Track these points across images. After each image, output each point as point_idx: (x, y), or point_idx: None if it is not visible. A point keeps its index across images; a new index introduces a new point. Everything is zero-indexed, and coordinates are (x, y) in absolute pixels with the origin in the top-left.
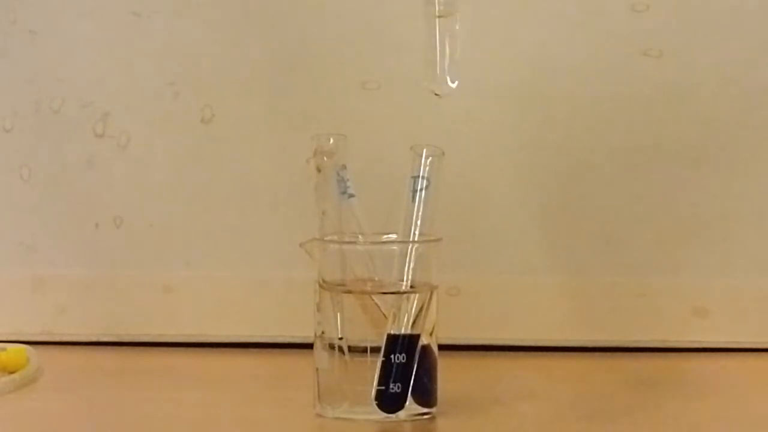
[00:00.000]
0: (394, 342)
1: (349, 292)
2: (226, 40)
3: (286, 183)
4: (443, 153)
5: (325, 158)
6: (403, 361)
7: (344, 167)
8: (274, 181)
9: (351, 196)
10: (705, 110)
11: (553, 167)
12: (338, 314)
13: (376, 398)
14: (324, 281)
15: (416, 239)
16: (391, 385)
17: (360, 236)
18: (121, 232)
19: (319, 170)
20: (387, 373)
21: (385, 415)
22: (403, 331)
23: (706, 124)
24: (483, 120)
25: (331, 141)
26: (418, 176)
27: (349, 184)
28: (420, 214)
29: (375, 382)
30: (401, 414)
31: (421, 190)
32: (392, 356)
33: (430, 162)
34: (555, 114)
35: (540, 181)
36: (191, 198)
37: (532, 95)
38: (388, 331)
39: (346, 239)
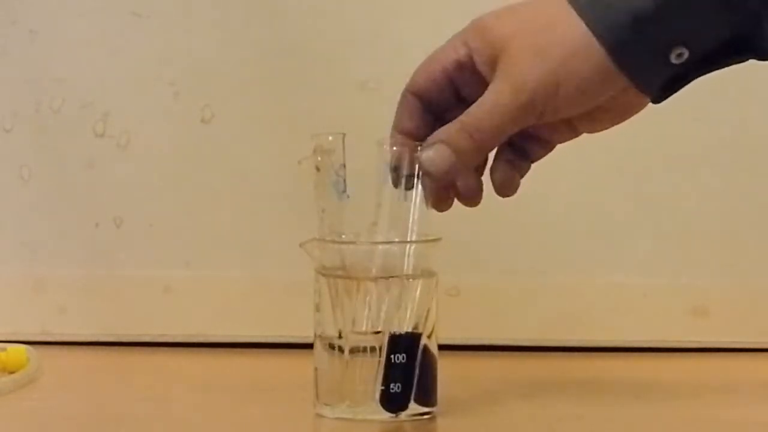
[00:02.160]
0: (395, 342)
1: (348, 277)
2: (226, 40)
3: (286, 183)
4: None
5: (319, 158)
6: (404, 360)
7: (343, 166)
8: (274, 181)
9: (350, 195)
10: (704, 109)
11: (553, 167)
12: (337, 310)
13: (381, 399)
14: (324, 267)
15: (414, 239)
16: (392, 386)
17: (359, 236)
18: (121, 232)
19: (318, 169)
20: (390, 373)
21: (386, 414)
22: (403, 331)
23: (705, 123)
24: None
25: (330, 139)
26: (412, 174)
27: (348, 183)
28: (416, 212)
29: (378, 383)
30: (401, 414)
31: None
32: (393, 356)
33: None
34: None
35: (539, 181)
36: (191, 198)
37: None
38: (389, 331)
39: (346, 239)
